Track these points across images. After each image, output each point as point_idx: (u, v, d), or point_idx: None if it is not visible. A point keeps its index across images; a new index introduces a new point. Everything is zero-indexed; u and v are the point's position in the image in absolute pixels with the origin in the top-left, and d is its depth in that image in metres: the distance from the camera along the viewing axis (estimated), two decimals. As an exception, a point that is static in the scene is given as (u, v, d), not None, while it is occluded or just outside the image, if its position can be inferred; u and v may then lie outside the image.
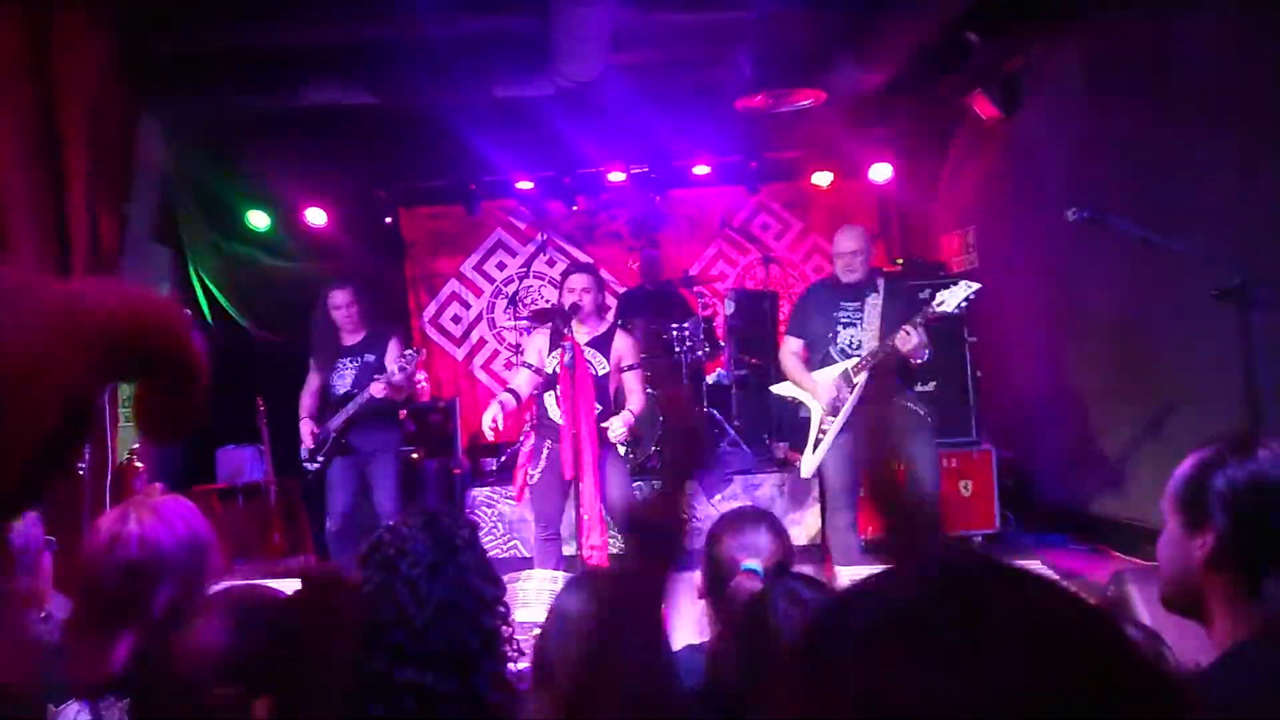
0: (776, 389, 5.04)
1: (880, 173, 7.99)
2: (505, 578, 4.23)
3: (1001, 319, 6.47)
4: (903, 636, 0.52)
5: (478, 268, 8.91)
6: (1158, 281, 4.83)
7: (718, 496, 6.17)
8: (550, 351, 4.73)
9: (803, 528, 6.05)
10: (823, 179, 8.16)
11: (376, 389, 5.08)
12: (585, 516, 4.58)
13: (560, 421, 4.60)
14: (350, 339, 5.35)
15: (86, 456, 4.71)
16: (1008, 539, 5.94)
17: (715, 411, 6.84)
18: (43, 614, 1.92)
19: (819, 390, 4.64)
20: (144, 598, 1.69)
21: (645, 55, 6.39)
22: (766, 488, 6.25)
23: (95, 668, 1.61)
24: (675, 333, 6.65)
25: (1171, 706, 0.50)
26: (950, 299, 4.35)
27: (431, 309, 8.88)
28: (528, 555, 6.10)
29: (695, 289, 7.63)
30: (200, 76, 5.93)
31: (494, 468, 7.02)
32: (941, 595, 0.54)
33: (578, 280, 4.74)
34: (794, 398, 4.88)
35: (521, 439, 6.08)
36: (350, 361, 5.32)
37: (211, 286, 7.17)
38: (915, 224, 8.41)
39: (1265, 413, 3.39)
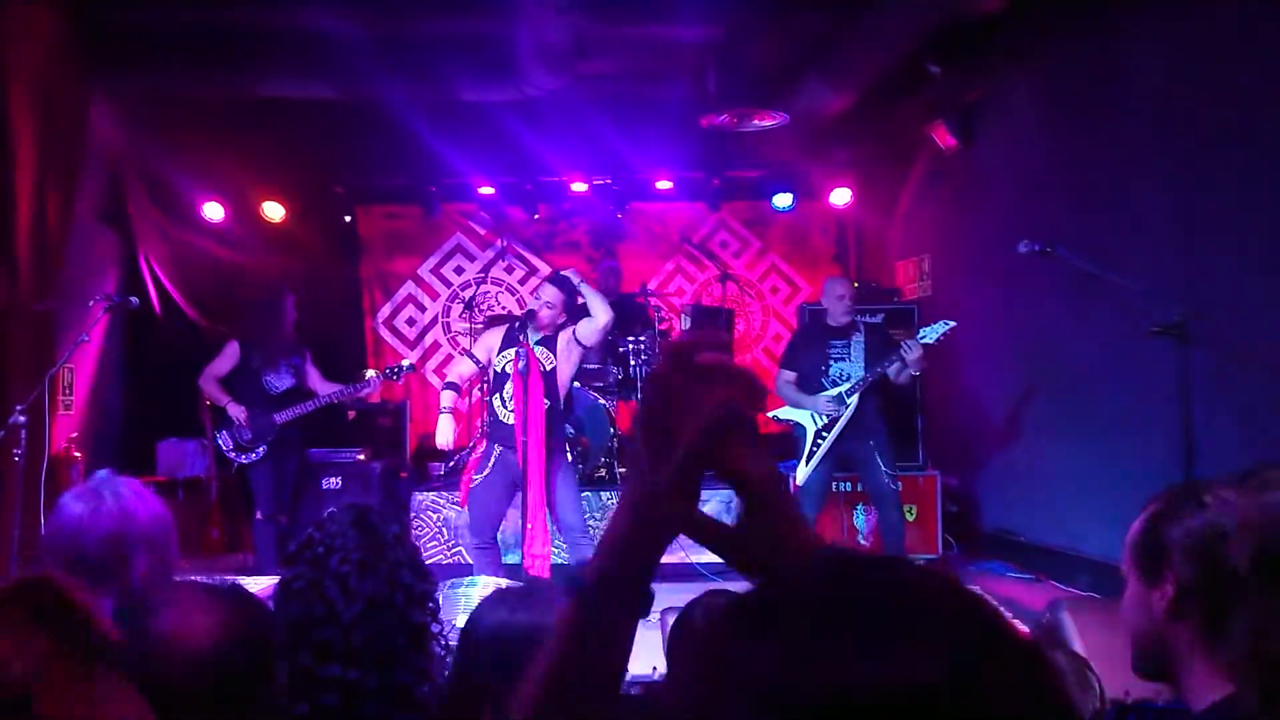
0: (775, 414, 5.58)
1: (840, 197, 8.08)
2: (448, 583, 4.12)
3: (951, 346, 6.54)
4: (790, 622, 0.53)
5: (435, 270, 8.84)
6: (1102, 315, 4.93)
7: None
8: (501, 350, 4.71)
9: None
10: (784, 200, 8.23)
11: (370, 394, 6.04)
12: (529, 525, 4.55)
13: (511, 423, 4.59)
14: (288, 341, 5.82)
15: (23, 442, 4.60)
16: (949, 566, 5.99)
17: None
18: None
19: (819, 406, 5.31)
20: (123, 565, 1.81)
21: (612, 66, 6.40)
22: (714, 504, 6.25)
23: None
24: (630, 346, 6.66)
25: (1050, 689, 0.52)
26: (931, 333, 5.13)
27: (386, 310, 8.79)
28: (471, 561, 6.04)
29: (651, 300, 7.63)
30: (155, 56, 5.83)
31: (441, 472, 6.94)
32: (831, 583, 0.56)
33: (548, 292, 4.74)
34: (790, 420, 5.49)
35: (472, 445, 6.03)
36: (290, 361, 5.76)
37: (160, 275, 7.03)
38: (872, 249, 8.50)
39: (1198, 447, 3.47)
